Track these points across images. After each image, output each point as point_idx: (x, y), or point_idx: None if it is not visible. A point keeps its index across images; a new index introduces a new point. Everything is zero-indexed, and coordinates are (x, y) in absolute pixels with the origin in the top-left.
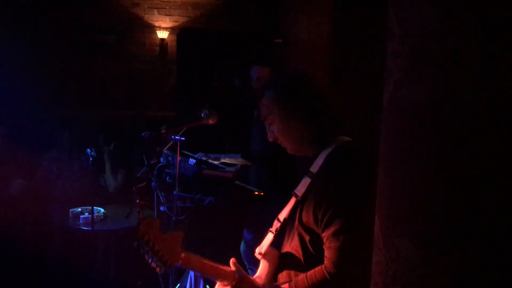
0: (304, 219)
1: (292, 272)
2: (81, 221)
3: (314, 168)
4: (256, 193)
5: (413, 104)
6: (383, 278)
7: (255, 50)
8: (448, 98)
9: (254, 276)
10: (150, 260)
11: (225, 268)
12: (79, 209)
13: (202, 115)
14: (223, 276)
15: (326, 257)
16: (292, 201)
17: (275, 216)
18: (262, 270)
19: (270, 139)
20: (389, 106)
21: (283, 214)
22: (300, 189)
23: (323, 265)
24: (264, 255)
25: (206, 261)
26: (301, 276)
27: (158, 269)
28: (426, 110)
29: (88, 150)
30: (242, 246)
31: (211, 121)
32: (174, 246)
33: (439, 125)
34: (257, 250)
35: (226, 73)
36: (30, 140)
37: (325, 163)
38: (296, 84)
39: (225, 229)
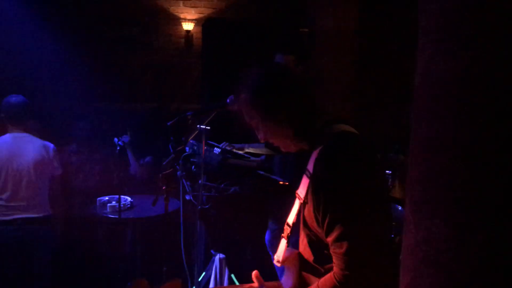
0: (308, 221)
1: (307, 274)
2: (108, 209)
3: (310, 166)
4: (281, 183)
5: (446, 80)
6: (413, 260)
7: (280, 40)
8: (483, 73)
9: (282, 280)
10: None
11: (246, 286)
12: (106, 198)
13: (228, 101)
14: None
15: (334, 263)
16: (297, 203)
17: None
18: (287, 275)
19: (262, 141)
20: (420, 84)
21: (291, 218)
22: (301, 190)
23: (332, 273)
24: (283, 262)
25: None
26: (313, 285)
27: None
28: (460, 86)
29: (116, 139)
30: (267, 236)
31: (236, 107)
32: None
33: (474, 103)
34: (275, 258)
35: (252, 63)
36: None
37: (317, 162)
38: (267, 80)
39: (250, 218)
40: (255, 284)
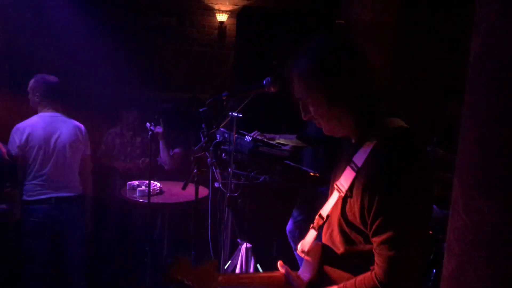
0: (348, 215)
1: (332, 268)
2: (138, 194)
3: (358, 160)
4: (312, 174)
5: (508, 52)
6: (462, 244)
7: (316, 31)
8: None
9: (300, 271)
10: None
11: (272, 274)
12: (136, 182)
13: (264, 82)
14: (272, 283)
15: (376, 264)
16: (335, 196)
17: (326, 199)
18: (306, 265)
19: (305, 119)
20: (477, 59)
21: (325, 210)
22: (344, 183)
23: (373, 272)
24: (308, 253)
25: (250, 275)
26: (350, 281)
27: None
28: None
29: (148, 124)
30: (289, 226)
31: (273, 89)
32: (208, 275)
33: None
34: (299, 248)
35: (286, 52)
36: (99, 116)
37: (371, 157)
38: (331, 53)
39: (278, 208)
40: (281, 271)
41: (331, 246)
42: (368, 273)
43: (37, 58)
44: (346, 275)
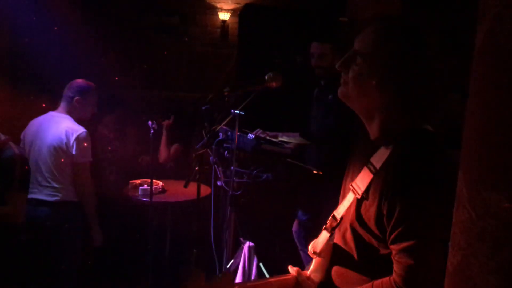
0: (364, 218)
1: (343, 269)
2: (140, 193)
3: (377, 161)
4: (315, 172)
5: None
6: (467, 237)
7: (319, 29)
8: None
9: (309, 272)
10: None
11: (285, 277)
12: (138, 181)
13: (266, 77)
14: (286, 286)
15: (395, 271)
16: (350, 197)
17: (330, 198)
18: (317, 266)
19: (337, 67)
20: (483, 48)
21: (339, 212)
22: (360, 185)
23: (391, 278)
24: (320, 253)
25: (264, 281)
26: (368, 285)
27: None
28: None
29: (150, 122)
30: (294, 227)
31: (274, 84)
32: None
33: None
34: (310, 249)
35: (288, 51)
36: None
37: (391, 161)
38: (413, 41)
39: (281, 207)
40: (293, 273)
41: (344, 247)
42: (386, 279)
43: (39, 57)
44: (358, 276)
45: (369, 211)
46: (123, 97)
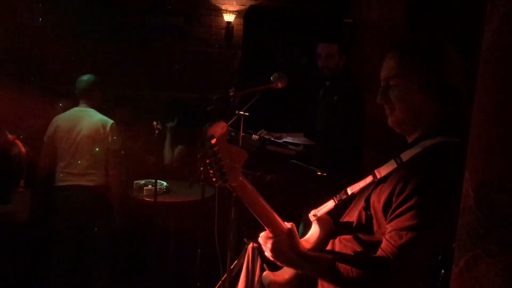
0: (373, 201)
1: (336, 243)
2: (144, 193)
3: (406, 155)
4: (319, 173)
5: None
6: (473, 238)
7: (323, 30)
8: None
9: (302, 239)
10: (211, 169)
11: (280, 219)
12: (143, 181)
13: (272, 78)
14: (274, 225)
15: (381, 247)
16: (368, 179)
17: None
18: (312, 234)
19: (379, 102)
20: (491, 47)
21: (353, 188)
22: (382, 171)
23: (380, 250)
24: (318, 219)
25: (262, 200)
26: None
27: (214, 179)
28: None
29: (154, 122)
30: (301, 229)
31: (280, 85)
32: (236, 164)
33: None
34: (312, 212)
35: (293, 51)
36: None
37: (424, 155)
38: (450, 54)
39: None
40: (289, 225)
41: (345, 224)
42: (379, 252)
43: (44, 58)
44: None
45: (383, 193)
46: (129, 97)
